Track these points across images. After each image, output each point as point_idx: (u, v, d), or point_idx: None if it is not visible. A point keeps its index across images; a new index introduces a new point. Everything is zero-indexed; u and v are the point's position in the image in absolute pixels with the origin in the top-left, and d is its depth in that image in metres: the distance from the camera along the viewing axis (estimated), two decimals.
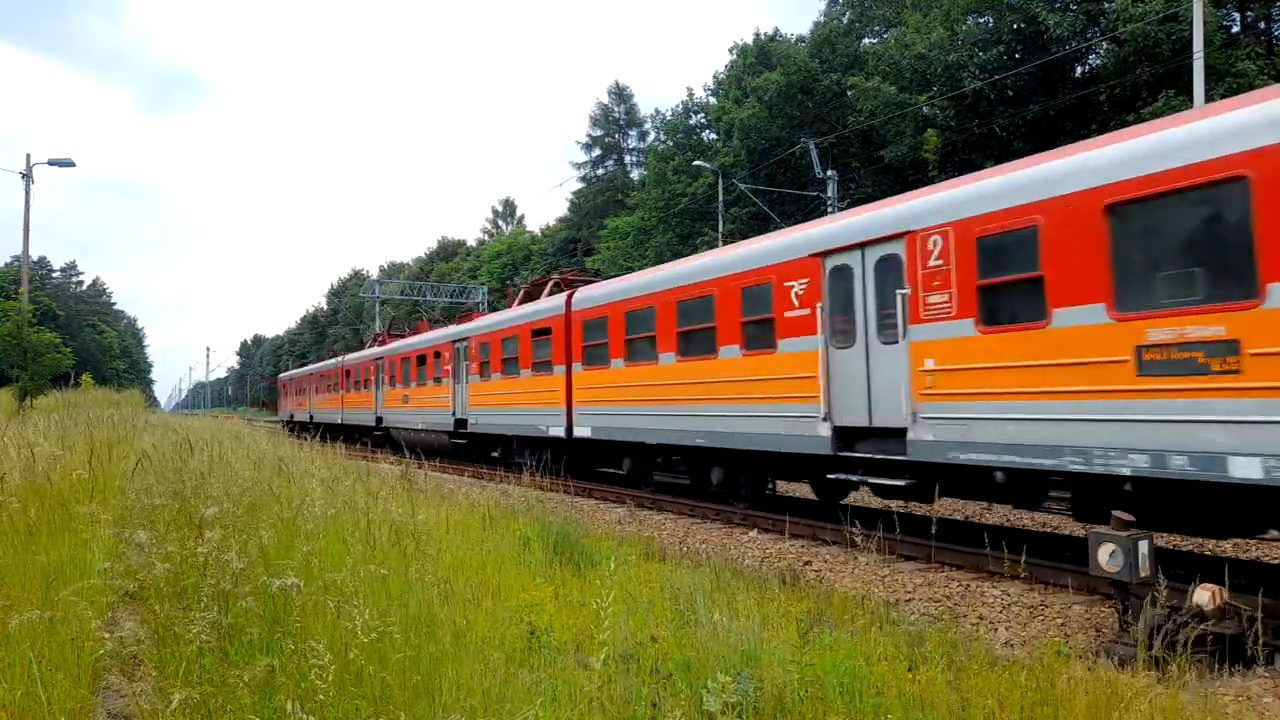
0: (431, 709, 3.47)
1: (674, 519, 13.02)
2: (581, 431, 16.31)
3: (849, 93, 33.29)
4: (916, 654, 5.22)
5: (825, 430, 10.24)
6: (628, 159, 63.58)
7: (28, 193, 30.63)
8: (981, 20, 30.12)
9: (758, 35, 44.01)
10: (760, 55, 41.78)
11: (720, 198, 36.50)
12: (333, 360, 40.44)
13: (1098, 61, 28.68)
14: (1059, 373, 7.59)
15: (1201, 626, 5.42)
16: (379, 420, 30.31)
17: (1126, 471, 7.09)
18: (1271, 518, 6.92)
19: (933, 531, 7.85)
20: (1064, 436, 7.56)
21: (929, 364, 8.84)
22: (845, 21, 39.44)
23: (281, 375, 56.49)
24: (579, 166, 64.12)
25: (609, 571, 4.67)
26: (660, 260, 30.79)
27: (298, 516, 6.01)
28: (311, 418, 40.79)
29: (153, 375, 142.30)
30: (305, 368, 50.38)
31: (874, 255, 9.67)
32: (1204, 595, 5.77)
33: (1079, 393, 7.42)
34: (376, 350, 31.30)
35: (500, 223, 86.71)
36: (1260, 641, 5.02)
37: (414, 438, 25.44)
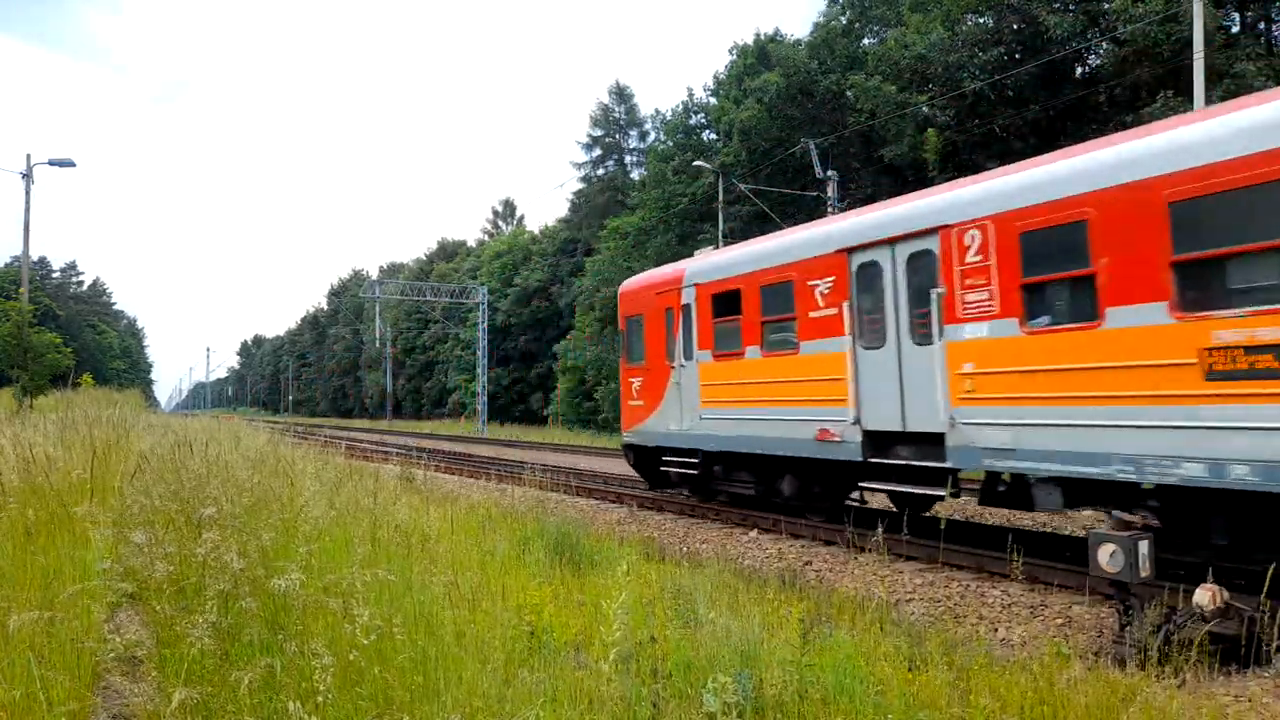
0: (433, 709, 3.47)
1: (674, 519, 13.01)
2: None
3: (849, 92, 33.29)
4: (917, 654, 5.22)
5: None
6: (628, 159, 63.44)
7: (28, 193, 30.64)
8: (981, 20, 30.11)
9: (758, 36, 44.06)
10: (760, 55, 41.80)
11: (720, 197, 36.51)
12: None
13: (1097, 62, 28.67)
14: None
15: (1201, 627, 5.42)
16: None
17: None
18: None
19: (941, 530, 7.85)
20: None
21: None
22: (844, 22, 39.44)
23: (638, 279, 14.96)
24: (579, 167, 63.96)
25: (622, 573, 4.65)
26: (660, 262, 30.49)
27: (297, 518, 6.00)
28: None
29: (153, 375, 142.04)
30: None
31: None
32: (1204, 595, 5.76)
33: None
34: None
35: (500, 223, 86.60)
36: (1276, 644, 4.94)
37: None
